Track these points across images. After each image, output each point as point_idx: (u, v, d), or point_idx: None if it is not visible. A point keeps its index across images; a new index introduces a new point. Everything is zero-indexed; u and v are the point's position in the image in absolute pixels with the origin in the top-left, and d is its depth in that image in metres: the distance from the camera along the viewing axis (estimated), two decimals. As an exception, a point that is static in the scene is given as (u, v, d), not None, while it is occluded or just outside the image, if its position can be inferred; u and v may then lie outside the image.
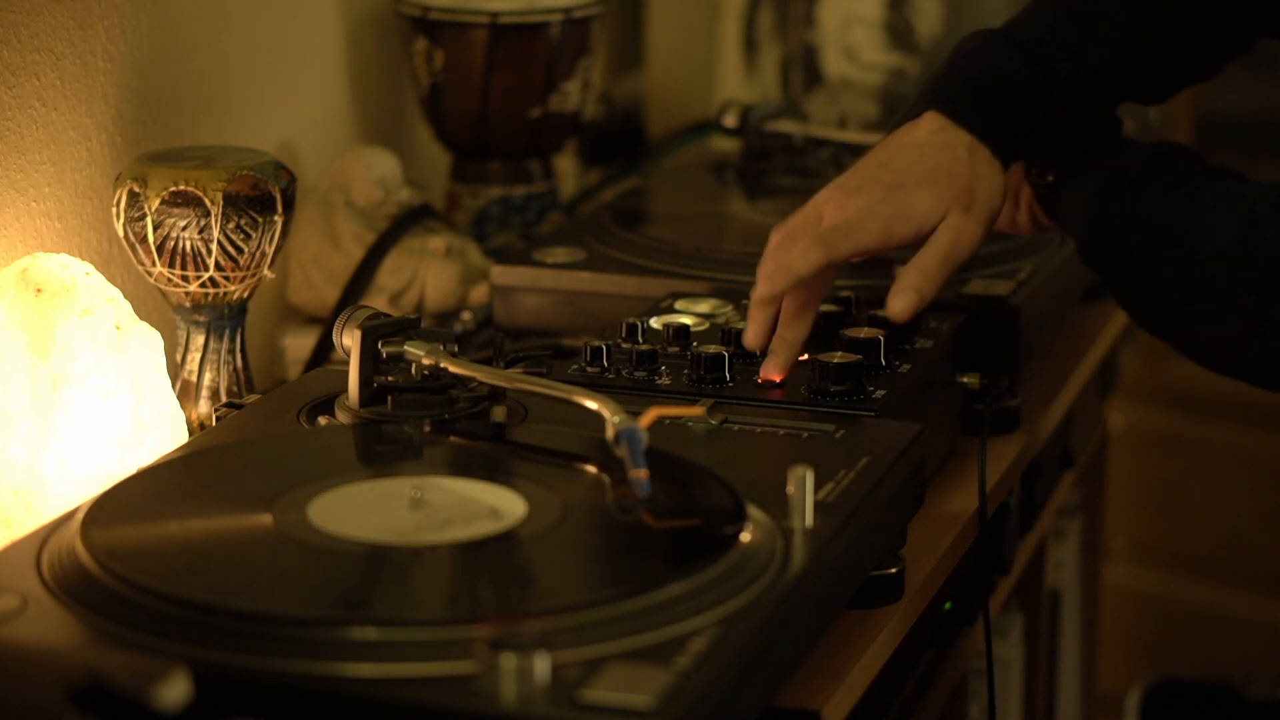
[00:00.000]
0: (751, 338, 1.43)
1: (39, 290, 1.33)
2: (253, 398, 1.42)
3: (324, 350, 1.68)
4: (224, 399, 1.50)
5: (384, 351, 1.32)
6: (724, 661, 1.00)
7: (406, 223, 1.77)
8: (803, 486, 1.15)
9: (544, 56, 1.89)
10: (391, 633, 1.00)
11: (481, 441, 1.29)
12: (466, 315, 1.75)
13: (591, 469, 1.23)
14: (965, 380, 1.52)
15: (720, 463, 1.23)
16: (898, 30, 2.28)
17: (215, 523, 1.15)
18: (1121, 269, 1.44)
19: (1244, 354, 1.46)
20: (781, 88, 2.33)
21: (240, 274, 1.48)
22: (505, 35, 1.87)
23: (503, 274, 1.67)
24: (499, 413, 1.30)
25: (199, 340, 1.50)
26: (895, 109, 2.19)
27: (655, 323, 1.49)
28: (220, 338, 1.50)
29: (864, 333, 1.43)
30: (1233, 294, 1.39)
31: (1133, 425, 2.97)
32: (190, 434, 1.45)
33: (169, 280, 1.48)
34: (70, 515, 1.16)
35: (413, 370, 1.32)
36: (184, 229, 1.46)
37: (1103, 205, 1.46)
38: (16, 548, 1.12)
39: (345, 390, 1.33)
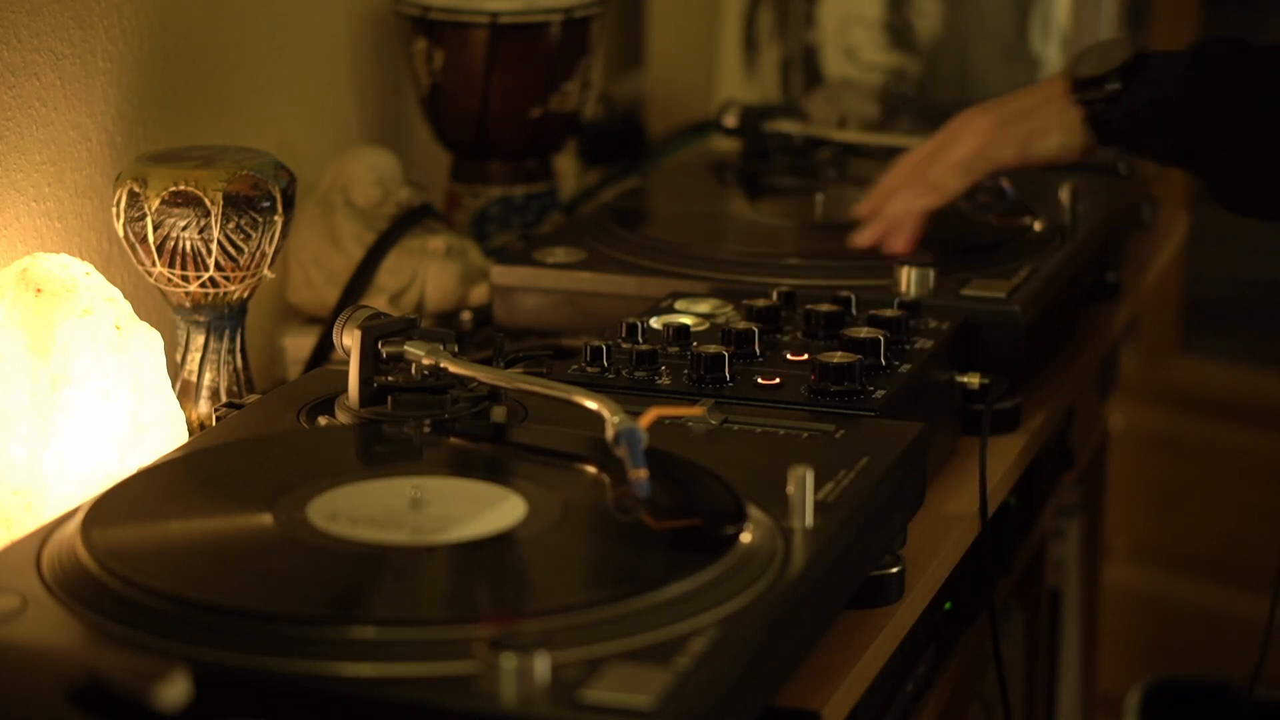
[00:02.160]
0: (868, 241, 1.65)
1: (39, 290, 1.33)
2: (253, 398, 1.42)
3: (324, 350, 1.68)
4: (224, 399, 1.50)
5: (384, 351, 1.32)
6: (724, 661, 1.00)
7: (406, 223, 1.77)
8: (803, 486, 1.15)
9: (544, 56, 1.89)
10: (391, 633, 1.00)
11: (481, 441, 1.29)
12: (466, 315, 1.75)
13: (591, 469, 1.23)
14: (965, 380, 1.52)
15: (720, 463, 1.23)
16: (898, 30, 2.28)
17: (215, 523, 1.15)
18: (1232, 147, 1.52)
19: None
20: (781, 88, 2.33)
21: (240, 274, 1.48)
22: (505, 35, 1.87)
23: (503, 274, 1.67)
24: (499, 413, 1.30)
25: (199, 340, 1.50)
26: (895, 109, 2.20)
27: (655, 323, 1.49)
28: (220, 338, 1.50)
29: (864, 333, 1.43)
30: None
31: (1133, 425, 2.97)
32: (190, 434, 1.44)
33: (169, 280, 1.48)
34: (70, 515, 1.16)
35: (413, 370, 1.32)
36: (184, 229, 1.46)
37: (1199, 88, 1.53)
38: (16, 548, 1.12)
39: (345, 390, 1.33)
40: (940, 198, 1.66)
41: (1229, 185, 1.58)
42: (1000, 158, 1.66)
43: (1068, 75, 1.65)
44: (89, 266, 1.38)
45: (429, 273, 1.75)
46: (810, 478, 1.15)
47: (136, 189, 1.46)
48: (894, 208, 1.67)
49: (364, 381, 1.32)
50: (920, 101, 2.25)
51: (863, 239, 1.68)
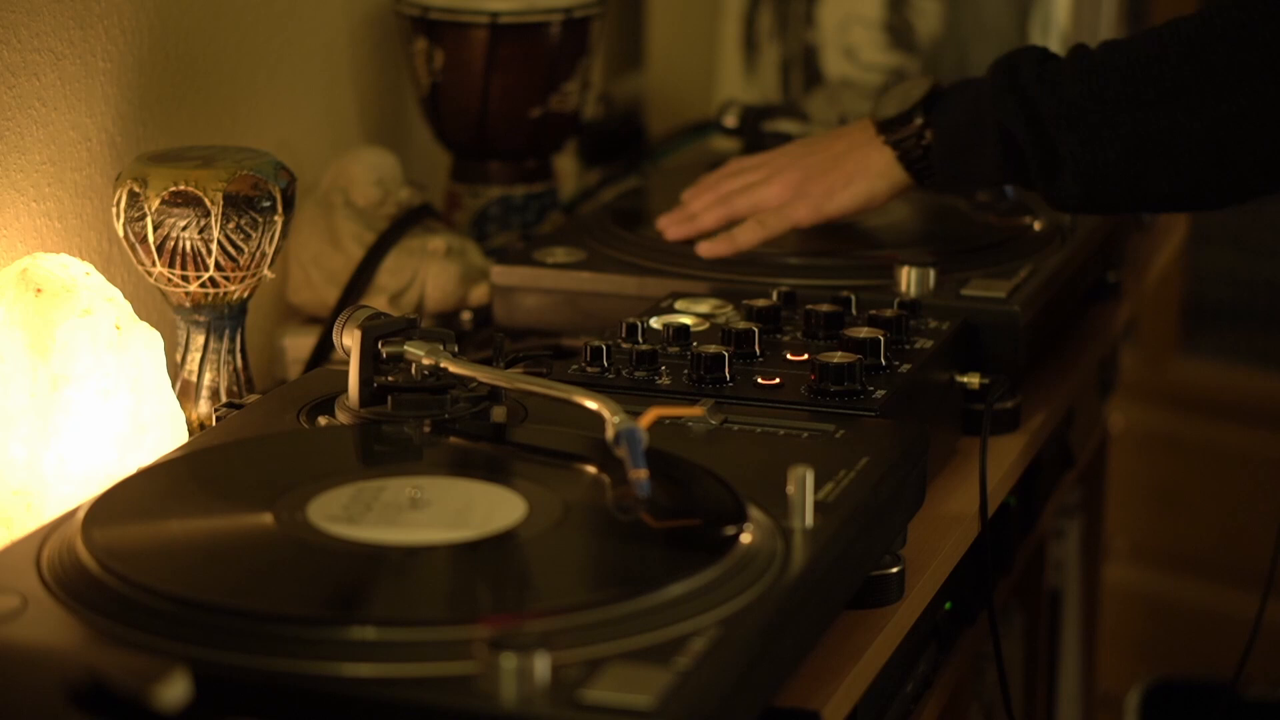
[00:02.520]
0: (673, 236, 1.68)
1: (39, 290, 1.33)
2: (253, 398, 1.42)
3: (324, 350, 1.68)
4: (224, 399, 1.50)
5: (384, 351, 1.32)
6: (724, 661, 1.00)
7: (406, 223, 1.77)
8: (803, 486, 1.15)
9: (544, 56, 1.89)
10: (391, 633, 1.00)
11: (481, 441, 1.29)
12: (466, 315, 1.75)
13: (591, 469, 1.23)
14: (965, 380, 1.52)
15: (720, 463, 1.23)
16: (898, 30, 2.28)
17: (215, 523, 1.15)
18: (1060, 139, 1.55)
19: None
20: (781, 88, 2.33)
21: (240, 274, 1.48)
22: (505, 35, 1.87)
23: (503, 274, 1.67)
24: (499, 413, 1.30)
25: (199, 340, 1.50)
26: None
27: (655, 323, 1.49)
28: (220, 338, 1.50)
29: (864, 333, 1.43)
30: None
31: (1133, 425, 2.97)
32: (190, 434, 1.44)
33: (169, 280, 1.48)
34: (70, 515, 1.16)
35: (413, 370, 1.32)
36: (184, 229, 1.46)
37: (1007, 95, 1.57)
38: (16, 548, 1.12)
39: (345, 390, 1.33)
40: (728, 249, 1.67)
41: (1064, 184, 1.57)
42: (797, 217, 1.68)
43: (872, 119, 1.66)
44: (89, 266, 1.38)
45: (429, 273, 1.75)
46: (810, 478, 1.15)
47: (136, 189, 1.46)
48: (701, 220, 1.70)
49: (364, 381, 1.32)
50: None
51: (672, 232, 1.71)
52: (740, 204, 1.69)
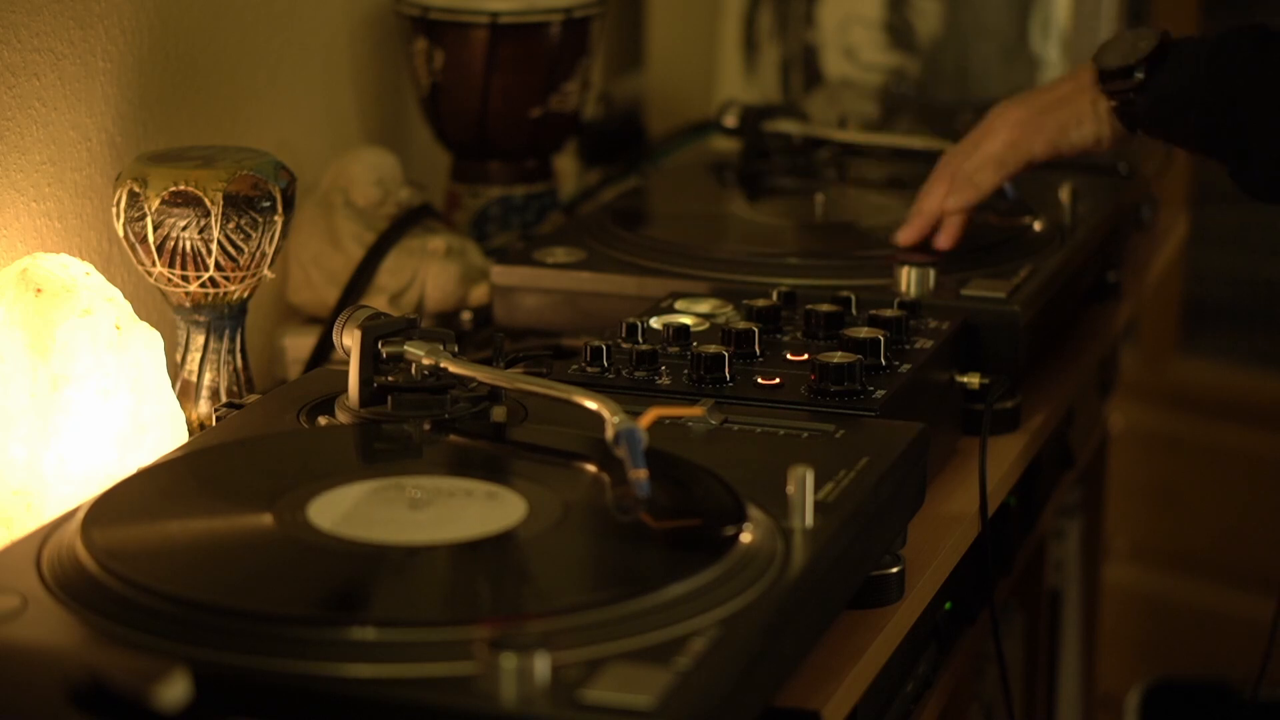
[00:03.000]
0: (909, 240, 1.68)
1: (39, 290, 1.33)
2: (253, 398, 1.42)
3: (324, 350, 1.68)
4: (224, 399, 1.50)
5: (384, 351, 1.32)
6: (724, 661, 1.00)
7: (406, 223, 1.77)
8: (803, 486, 1.15)
9: (544, 56, 1.89)
10: (391, 633, 1.00)
11: (481, 441, 1.29)
12: (466, 315, 1.75)
13: (591, 469, 1.23)
14: (965, 380, 1.52)
15: (720, 463, 1.23)
16: (898, 30, 2.28)
17: (215, 523, 1.15)
18: (1252, 134, 1.54)
19: None
20: (781, 88, 2.33)
21: (240, 274, 1.48)
22: (505, 35, 1.87)
23: (503, 274, 1.67)
24: (499, 413, 1.30)
25: (199, 340, 1.50)
26: (895, 109, 2.20)
27: (655, 323, 1.49)
28: (220, 338, 1.50)
29: (864, 333, 1.43)
30: None
31: (1133, 425, 2.97)
32: (190, 434, 1.45)
33: (169, 280, 1.48)
34: (70, 515, 1.16)
35: (413, 370, 1.32)
36: (184, 229, 1.46)
37: (1219, 75, 1.55)
38: (16, 548, 1.12)
39: (345, 390, 1.33)
40: (976, 194, 1.67)
41: (1251, 172, 1.59)
42: (1033, 151, 1.67)
43: (1094, 65, 1.66)
44: (89, 266, 1.38)
45: (429, 273, 1.75)
46: (810, 478, 1.15)
47: (136, 189, 1.46)
48: (930, 204, 1.69)
49: (364, 381, 1.32)
50: (920, 101, 2.25)
51: (905, 237, 1.69)
52: (969, 165, 1.68)
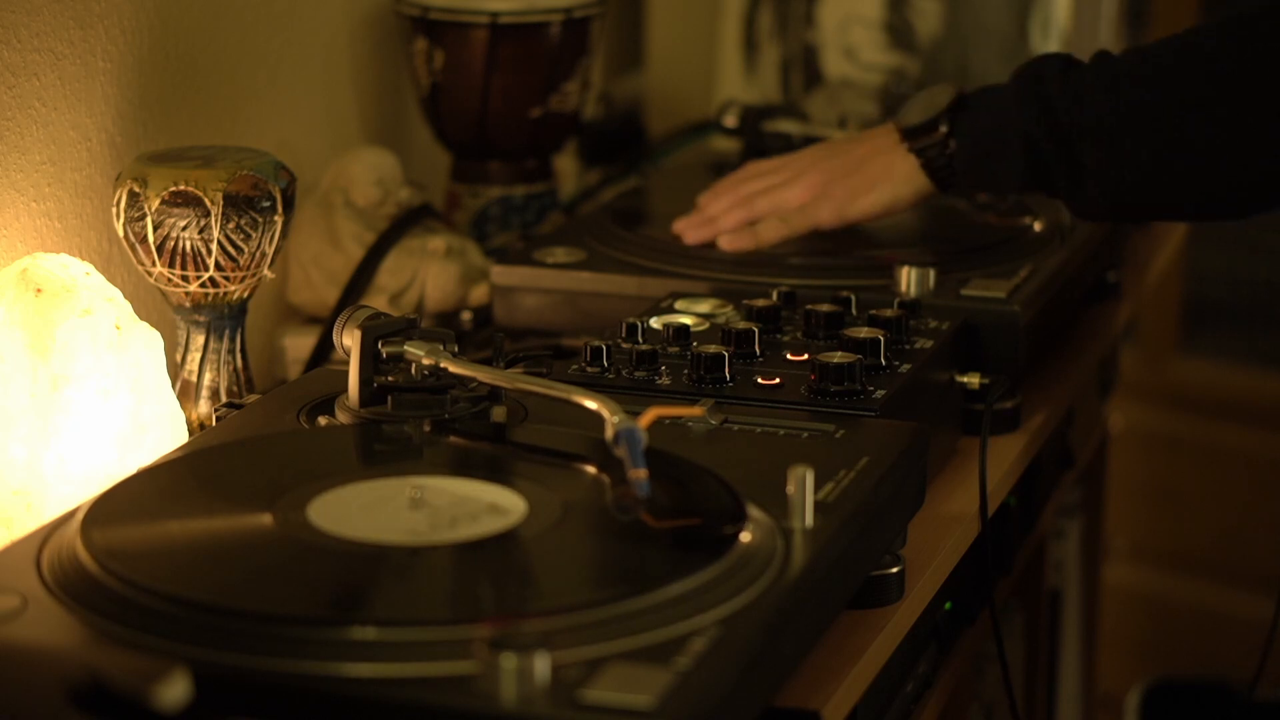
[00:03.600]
0: (692, 240, 1.68)
1: (39, 290, 1.33)
2: (253, 398, 1.42)
3: (324, 350, 1.68)
4: (224, 399, 1.50)
5: (384, 351, 1.32)
6: (724, 661, 1.00)
7: (406, 223, 1.77)
8: (803, 486, 1.15)
9: (544, 56, 1.89)
10: (391, 633, 1.00)
11: (481, 441, 1.29)
12: (466, 315, 1.75)
13: (591, 469, 1.23)
14: (965, 380, 1.52)
15: (720, 463, 1.23)
16: (898, 30, 2.28)
17: (215, 523, 1.15)
18: (1083, 149, 1.56)
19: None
20: (781, 88, 2.33)
21: (240, 274, 1.48)
22: (505, 35, 1.87)
23: (503, 274, 1.67)
24: (499, 413, 1.30)
25: (199, 340, 1.50)
26: (895, 109, 2.20)
27: (655, 323, 1.49)
28: (220, 338, 1.50)
29: (864, 333, 1.43)
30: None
31: (1133, 425, 2.97)
32: (190, 434, 1.44)
33: (169, 280, 1.48)
34: (70, 515, 1.16)
35: (413, 370, 1.32)
36: (184, 229, 1.46)
37: (1031, 103, 1.57)
38: (16, 548, 1.12)
39: (345, 390, 1.33)
40: (750, 243, 1.68)
41: (1086, 193, 1.58)
42: (819, 218, 1.68)
43: (896, 125, 1.66)
44: (89, 266, 1.38)
45: (429, 273, 1.75)
46: (810, 478, 1.15)
47: (136, 189, 1.46)
48: (722, 222, 1.70)
49: (364, 381, 1.32)
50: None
51: (690, 236, 1.70)
52: (761, 205, 1.69)
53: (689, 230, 1.70)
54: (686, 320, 1.49)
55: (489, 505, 1.16)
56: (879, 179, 1.66)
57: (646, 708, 0.95)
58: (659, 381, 1.40)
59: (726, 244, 1.67)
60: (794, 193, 1.69)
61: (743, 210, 1.70)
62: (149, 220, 1.46)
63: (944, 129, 1.63)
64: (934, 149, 1.64)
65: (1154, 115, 1.55)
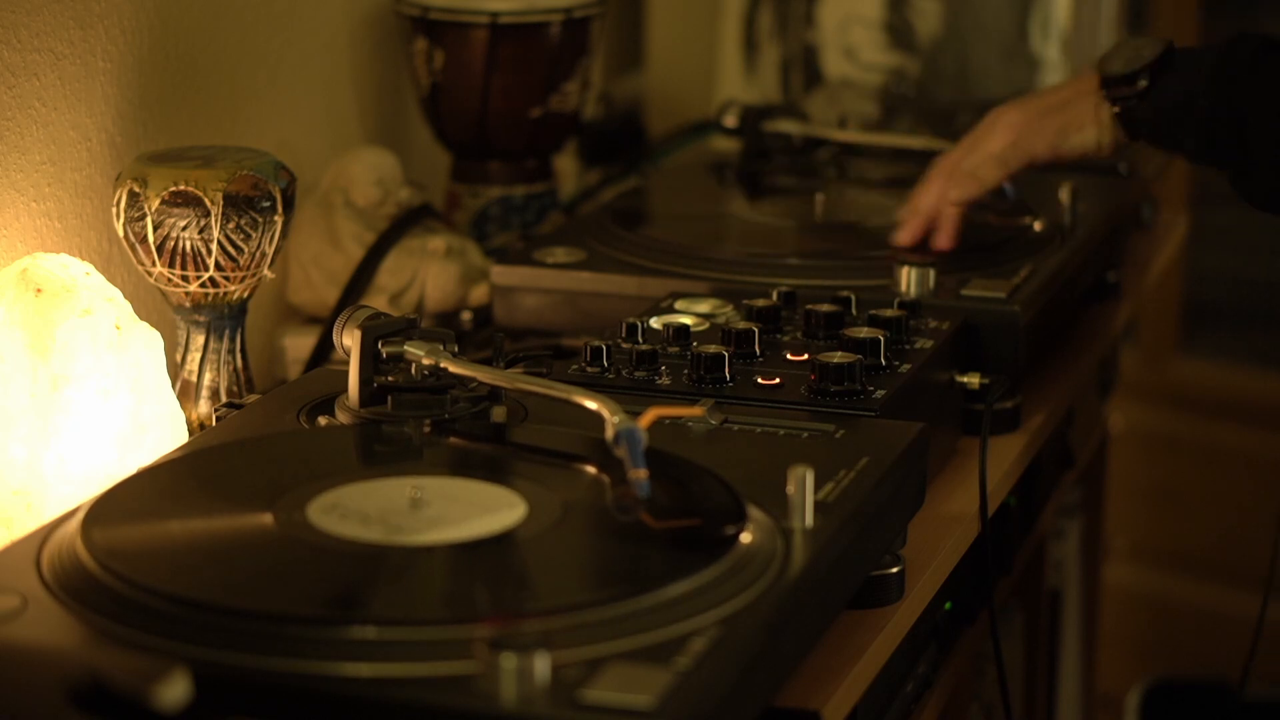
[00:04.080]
0: (908, 240, 1.67)
1: (39, 290, 1.33)
2: (253, 398, 1.42)
3: (324, 350, 1.68)
4: (224, 399, 1.50)
5: (384, 351, 1.32)
6: (724, 661, 1.00)
7: (406, 223, 1.77)
8: (803, 486, 1.15)
9: (544, 56, 1.89)
10: (391, 633, 1.00)
11: (481, 441, 1.29)
12: (466, 315, 1.75)
13: (591, 469, 1.23)
14: (965, 380, 1.52)
15: (720, 463, 1.23)
16: (898, 30, 2.28)
17: (215, 523, 1.15)
18: (1254, 144, 1.54)
19: None
20: (781, 88, 2.33)
21: (240, 274, 1.48)
22: (505, 35, 1.87)
23: (503, 274, 1.67)
24: (499, 413, 1.30)
25: (199, 340, 1.50)
26: (895, 109, 2.20)
27: (655, 323, 1.49)
28: (220, 338, 1.50)
29: (864, 333, 1.43)
30: None
31: (1133, 425, 2.97)
32: (190, 434, 1.44)
33: (169, 280, 1.48)
34: (70, 515, 1.16)
35: (413, 370, 1.32)
36: (184, 229, 1.46)
37: (1221, 84, 1.55)
38: (16, 548, 1.12)
39: (345, 390, 1.33)
40: (977, 187, 1.67)
41: (1252, 182, 1.59)
42: (1034, 151, 1.67)
43: (1098, 71, 1.65)
44: (89, 266, 1.38)
45: (429, 273, 1.75)
46: (810, 478, 1.15)
47: (136, 189, 1.46)
48: (928, 201, 1.69)
49: (364, 381, 1.32)
50: (920, 101, 2.25)
51: (903, 237, 1.69)
52: (967, 162, 1.68)
53: (902, 233, 1.69)
54: (686, 320, 1.49)
55: (489, 505, 1.16)
56: (1086, 120, 1.65)
57: (646, 708, 0.95)
58: (659, 381, 1.40)
59: (956, 197, 1.67)
60: (997, 138, 1.68)
61: (954, 177, 1.68)
62: (149, 220, 1.46)
63: (1144, 83, 1.62)
64: (1131, 101, 1.63)
65: None
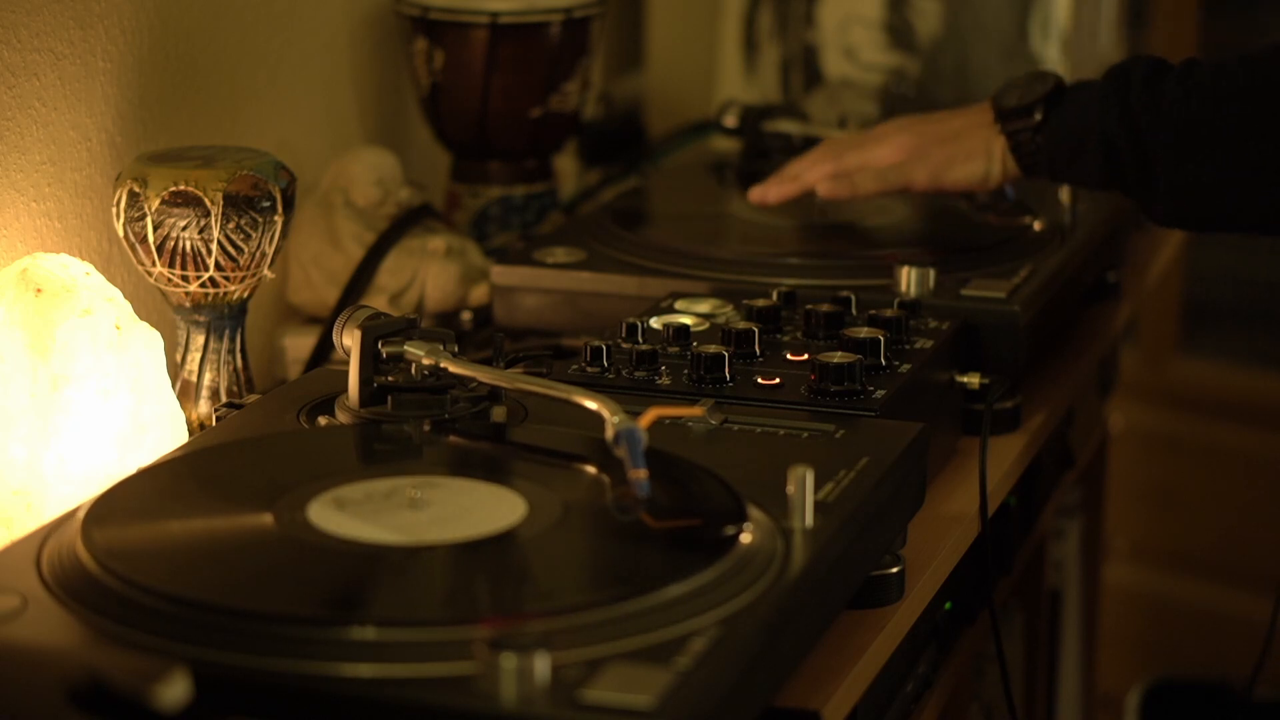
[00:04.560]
0: (775, 197, 1.72)
1: (39, 290, 1.33)
2: (253, 398, 1.42)
3: (324, 350, 1.68)
4: (224, 399, 1.50)
5: (384, 351, 1.32)
6: (724, 661, 1.00)
7: (406, 223, 1.77)
8: (803, 486, 1.15)
9: (544, 56, 1.89)
10: (391, 633, 1.00)
11: (481, 441, 1.29)
12: (466, 315, 1.75)
13: (591, 469, 1.23)
14: (965, 380, 1.52)
15: (720, 463, 1.23)
16: (898, 30, 2.28)
17: (215, 523, 1.15)
18: (1157, 160, 1.55)
19: None
20: (781, 88, 2.33)
21: (240, 274, 1.48)
22: (505, 35, 1.87)
23: (503, 274, 1.67)
24: (499, 413, 1.30)
25: (199, 340, 1.50)
26: (895, 109, 2.20)
27: (655, 323, 1.49)
28: (220, 338, 1.50)
29: (864, 333, 1.43)
30: None
31: (1133, 425, 2.97)
32: (190, 434, 1.44)
33: (169, 280, 1.48)
34: (70, 515, 1.16)
35: (413, 370, 1.32)
36: (184, 229, 1.46)
37: (1113, 106, 1.57)
38: (16, 548, 1.12)
39: (345, 390, 1.33)
40: (849, 192, 1.70)
41: (1159, 202, 1.59)
42: (914, 177, 1.69)
43: (992, 105, 1.66)
44: (89, 266, 1.38)
45: (429, 273, 1.75)
46: (810, 478, 1.15)
47: (136, 189, 1.46)
48: (809, 177, 1.72)
49: (364, 381, 1.32)
50: (920, 101, 2.25)
51: (769, 194, 1.73)
52: (850, 159, 1.70)
53: (771, 188, 1.71)
54: (686, 320, 1.49)
55: (489, 505, 1.16)
56: (975, 152, 1.67)
57: (646, 708, 0.95)
58: (659, 381, 1.40)
59: (824, 191, 1.69)
60: (885, 151, 1.69)
61: (830, 164, 1.70)
62: (149, 220, 1.46)
63: (1038, 116, 1.63)
64: (1025, 134, 1.64)
65: (1220, 134, 1.55)
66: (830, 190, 1.69)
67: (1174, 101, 1.57)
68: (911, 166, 1.68)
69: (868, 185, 1.69)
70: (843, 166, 1.70)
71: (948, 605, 1.45)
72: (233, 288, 1.49)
